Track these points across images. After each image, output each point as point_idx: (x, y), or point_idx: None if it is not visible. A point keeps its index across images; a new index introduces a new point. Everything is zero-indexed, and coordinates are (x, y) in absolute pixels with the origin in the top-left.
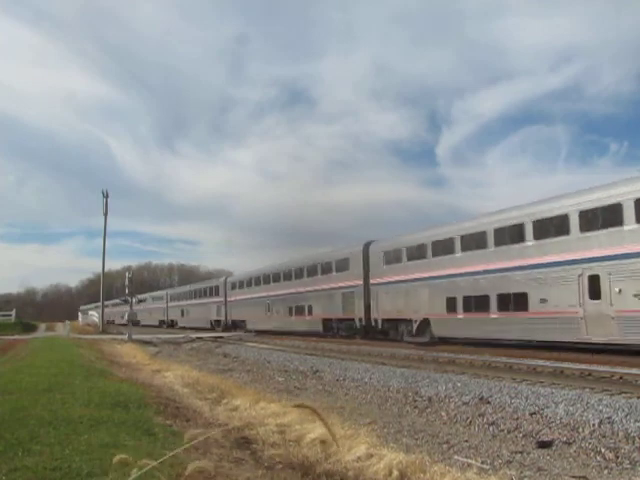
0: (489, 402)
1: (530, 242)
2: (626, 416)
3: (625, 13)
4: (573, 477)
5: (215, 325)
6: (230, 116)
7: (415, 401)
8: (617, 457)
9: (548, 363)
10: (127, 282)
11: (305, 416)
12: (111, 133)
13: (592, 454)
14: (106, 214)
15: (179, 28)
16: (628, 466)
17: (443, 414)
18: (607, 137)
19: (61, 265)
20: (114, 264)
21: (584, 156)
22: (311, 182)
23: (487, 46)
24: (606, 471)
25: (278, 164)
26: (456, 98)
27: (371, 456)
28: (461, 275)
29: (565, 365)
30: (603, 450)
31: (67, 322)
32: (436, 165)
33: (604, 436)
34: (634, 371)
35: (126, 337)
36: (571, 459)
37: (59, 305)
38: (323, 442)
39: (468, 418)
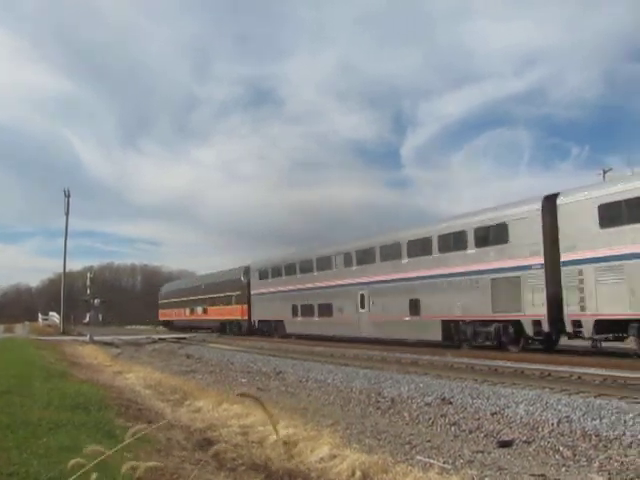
0: (451, 403)
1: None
2: (583, 415)
3: (589, 19)
4: (532, 475)
5: None
6: (195, 115)
7: (378, 402)
8: (575, 455)
9: (509, 364)
10: (88, 282)
11: (267, 417)
12: (73, 131)
13: (551, 452)
14: (67, 213)
15: (143, 25)
16: (585, 463)
17: (406, 415)
18: (569, 141)
19: (21, 265)
20: (75, 264)
21: (546, 160)
22: (277, 182)
23: (454, 48)
24: (564, 469)
25: (244, 164)
26: (422, 100)
27: (334, 457)
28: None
29: (525, 365)
30: (561, 448)
31: (26, 323)
32: (401, 167)
33: (562, 435)
34: (591, 371)
35: (87, 338)
36: (531, 458)
37: (18, 305)
38: (286, 443)
39: (430, 418)
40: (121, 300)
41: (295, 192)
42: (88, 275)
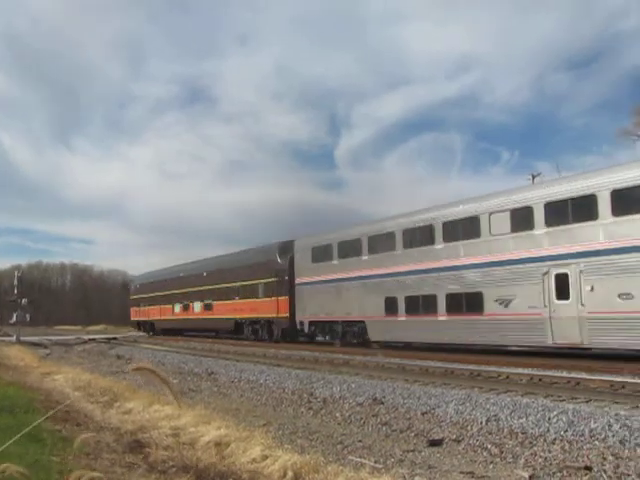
0: (382, 403)
1: None
2: (511, 413)
3: (522, 28)
4: (461, 473)
5: None
6: (129, 112)
7: (310, 402)
8: (502, 452)
9: (440, 364)
10: (16, 282)
11: (200, 419)
12: (1, 126)
13: (479, 450)
14: None
15: (78, 20)
16: (511, 460)
17: (337, 415)
18: (500, 146)
19: None
20: (3, 263)
21: (477, 164)
22: (212, 182)
23: (389, 51)
24: (492, 466)
25: (178, 162)
26: (356, 102)
27: (266, 457)
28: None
29: (455, 366)
30: (489, 446)
31: None
32: (335, 168)
33: (490, 433)
34: (519, 370)
35: (14, 339)
36: (460, 456)
37: None
38: (218, 444)
39: (362, 418)
40: (50, 300)
41: (232, 192)
42: (16, 274)
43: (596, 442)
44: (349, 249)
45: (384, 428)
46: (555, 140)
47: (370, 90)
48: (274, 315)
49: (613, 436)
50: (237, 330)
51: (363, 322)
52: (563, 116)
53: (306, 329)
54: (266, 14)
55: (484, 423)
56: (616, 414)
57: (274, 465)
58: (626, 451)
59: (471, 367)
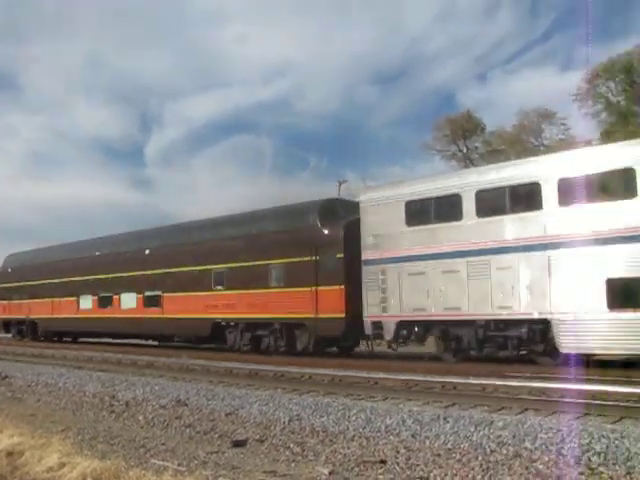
0: (186, 404)
1: None
2: (313, 413)
3: (335, 37)
4: (264, 472)
5: None
6: None
7: (112, 405)
8: (304, 450)
9: (245, 365)
10: None
11: None
12: None
13: (282, 449)
14: None
15: None
16: (312, 458)
17: (140, 418)
18: (309, 152)
19: None
20: None
21: (287, 168)
22: (13, 175)
23: (208, 52)
24: (294, 464)
25: None
26: (169, 100)
27: (64, 465)
28: None
29: (260, 367)
30: (292, 445)
31: None
32: (144, 166)
33: (293, 432)
34: (321, 371)
35: None
36: (263, 456)
37: None
38: (10, 454)
39: (165, 421)
40: None
41: (36, 187)
42: None
43: (391, 437)
44: (504, 200)
45: (188, 430)
46: (362, 150)
47: (185, 89)
48: (310, 315)
49: (406, 430)
50: (215, 337)
51: (544, 321)
52: (372, 127)
53: (389, 334)
54: (82, 3)
55: (287, 423)
56: (409, 410)
57: (72, 473)
58: (417, 443)
59: (275, 368)
